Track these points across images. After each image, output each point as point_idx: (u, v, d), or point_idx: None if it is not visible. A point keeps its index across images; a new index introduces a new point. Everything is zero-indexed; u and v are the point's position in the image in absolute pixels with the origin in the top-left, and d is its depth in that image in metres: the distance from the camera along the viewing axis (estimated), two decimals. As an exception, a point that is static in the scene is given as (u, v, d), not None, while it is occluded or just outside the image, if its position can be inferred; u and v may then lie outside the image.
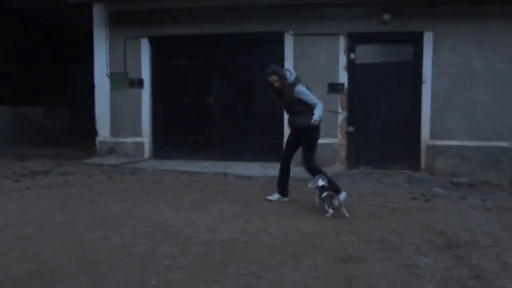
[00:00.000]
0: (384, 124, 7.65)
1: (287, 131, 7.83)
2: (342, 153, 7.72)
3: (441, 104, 7.43)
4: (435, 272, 3.05)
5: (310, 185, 4.79)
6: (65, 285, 2.74)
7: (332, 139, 7.71)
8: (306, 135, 4.95)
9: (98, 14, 8.45)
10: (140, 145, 8.42)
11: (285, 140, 7.83)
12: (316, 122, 4.68)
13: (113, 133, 8.51)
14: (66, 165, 7.55)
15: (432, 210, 4.94)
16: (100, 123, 8.55)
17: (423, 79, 7.45)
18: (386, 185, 6.46)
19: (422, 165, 7.50)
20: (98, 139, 8.58)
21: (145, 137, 8.43)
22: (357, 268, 3.10)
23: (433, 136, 7.47)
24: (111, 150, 8.48)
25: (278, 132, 7.75)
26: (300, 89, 4.85)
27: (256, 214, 4.51)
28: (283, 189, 5.21)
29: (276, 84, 4.85)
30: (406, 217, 4.56)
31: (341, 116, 7.69)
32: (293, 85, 4.88)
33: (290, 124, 5.12)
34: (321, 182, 4.70)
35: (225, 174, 6.95)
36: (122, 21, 8.34)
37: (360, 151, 7.72)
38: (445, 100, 7.42)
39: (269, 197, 5.21)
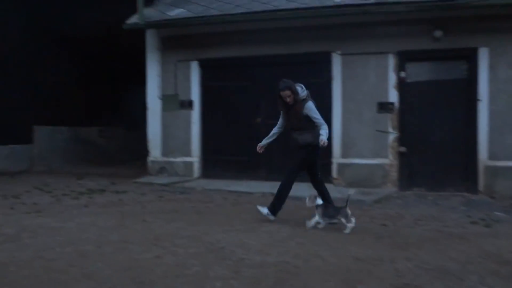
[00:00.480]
0: (438, 144, 7.35)
1: (336, 150, 7.78)
2: (394, 174, 7.49)
3: (500, 123, 7.05)
4: (502, 305, 2.85)
5: (309, 204, 4.79)
6: (122, 304, 2.82)
7: (383, 160, 7.52)
8: (304, 152, 5.01)
9: (151, 39, 8.85)
10: (190, 165, 8.61)
11: (333, 160, 7.79)
12: (325, 144, 4.73)
13: (164, 153, 8.77)
14: (120, 184, 7.86)
15: (494, 236, 4.64)
16: (152, 143, 8.86)
17: (479, 97, 7.13)
18: (442, 208, 6.18)
19: (480, 187, 7.11)
20: (149, 158, 8.87)
21: (195, 157, 8.62)
22: (416, 297, 2.96)
23: (492, 156, 7.08)
24: (162, 169, 8.73)
25: (327, 152, 7.63)
26: (311, 105, 4.91)
27: (307, 237, 4.44)
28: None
29: (288, 99, 4.91)
30: (465, 243, 4.32)
31: (392, 136, 7.49)
32: (304, 100, 4.92)
33: (292, 140, 5.13)
34: (319, 200, 4.74)
35: (273, 195, 6.90)
36: (174, 45, 8.68)
37: (413, 172, 7.45)
38: (504, 118, 7.04)
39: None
